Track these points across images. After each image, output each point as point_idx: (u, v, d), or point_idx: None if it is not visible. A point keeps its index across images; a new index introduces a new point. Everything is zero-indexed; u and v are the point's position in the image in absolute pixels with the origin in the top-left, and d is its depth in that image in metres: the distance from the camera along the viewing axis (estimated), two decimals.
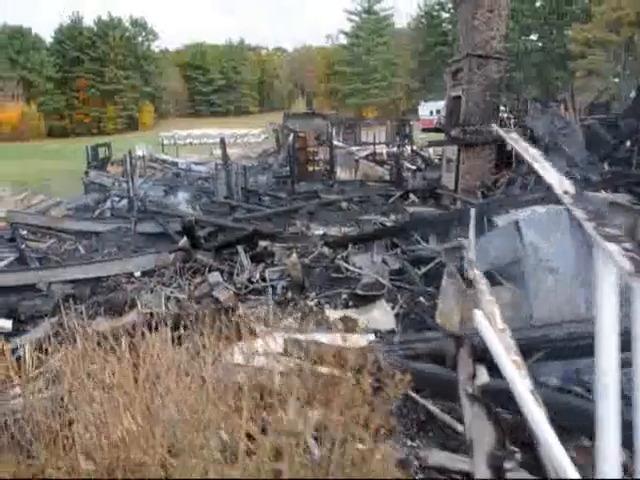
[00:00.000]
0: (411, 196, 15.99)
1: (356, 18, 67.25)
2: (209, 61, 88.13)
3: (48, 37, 77.74)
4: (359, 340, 3.53)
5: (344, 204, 14.87)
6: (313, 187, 18.04)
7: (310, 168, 19.93)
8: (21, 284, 8.30)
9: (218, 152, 37.15)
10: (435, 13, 64.98)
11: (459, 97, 15.41)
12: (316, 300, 5.88)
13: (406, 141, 27.38)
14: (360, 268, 6.32)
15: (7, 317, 7.02)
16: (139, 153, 28.75)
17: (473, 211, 5.53)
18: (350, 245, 7.21)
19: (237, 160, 28.73)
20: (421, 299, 5.52)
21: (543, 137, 14.02)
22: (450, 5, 64.00)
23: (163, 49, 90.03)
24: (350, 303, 5.73)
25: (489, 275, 5.04)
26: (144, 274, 8.54)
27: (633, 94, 16.64)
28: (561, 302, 4.73)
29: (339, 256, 7.15)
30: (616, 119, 14.54)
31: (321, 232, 10.03)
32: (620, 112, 16.94)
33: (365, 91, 61.45)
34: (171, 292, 7.10)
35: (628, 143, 14.13)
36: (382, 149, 25.49)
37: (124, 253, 10.03)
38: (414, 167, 21.71)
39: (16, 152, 45.02)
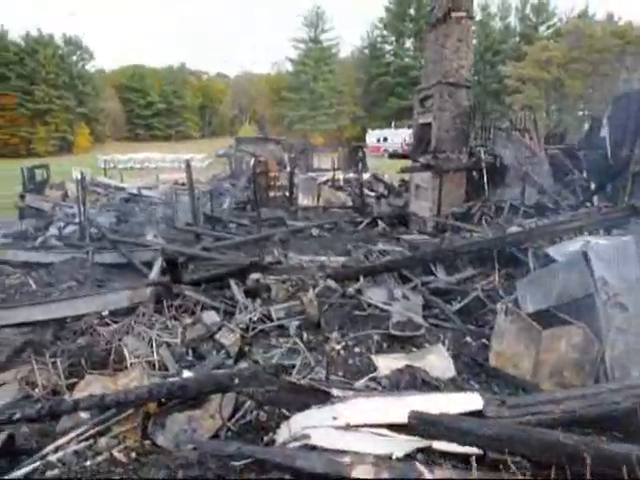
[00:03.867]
0: (379, 223, 15.68)
1: (302, 46, 68.32)
2: (148, 84, 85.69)
3: None
4: (470, 403, 2.88)
5: (315, 231, 14.30)
6: (276, 213, 17.35)
7: (272, 194, 19.21)
8: None
9: (164, 177, 35.76)
10: (378, 45, 67.24)
11: (427, 124, 15.47)
12: (343, 342, 5.15)
13: (361, 167, 27.38)
14: (387, 304, 5.67)
15: None
16: (78, 176, 26.76)
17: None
18: (362, 278, 6.55)
19: (180, 186, 27.46)
20: (468, 339, 4.93)
21: (512, 165, 14.27)
22: (393, 38, 66.55)
23: (99, 69, 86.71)
24: (385, 345, 5.05)
25: (548, 313, 4.58)
26: (112, 313, 7.42)
27: (587, 127, 17.58)
28: (632, 342, 4.33)
29: (349, 290, 6.48)
30: (577, 149, 15.14)
31: (307, 260, 9.34)
32: (573, 143, 17.75)
33: (313, 118, 61.94)
34: (158, 335, 6.09)
35: (585, 174, 14.73)
36: (339, 175, 25.30)
37: (89, 288, 8.78)
38: (373, 193, 21.60)
39: None
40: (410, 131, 31.77)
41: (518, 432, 2.33)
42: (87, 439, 3.44)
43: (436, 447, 2.57)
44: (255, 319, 6.11)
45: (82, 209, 13.37)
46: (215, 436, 3.71)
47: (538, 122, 16.15)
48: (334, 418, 2.95)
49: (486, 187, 13.84)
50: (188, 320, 6.38)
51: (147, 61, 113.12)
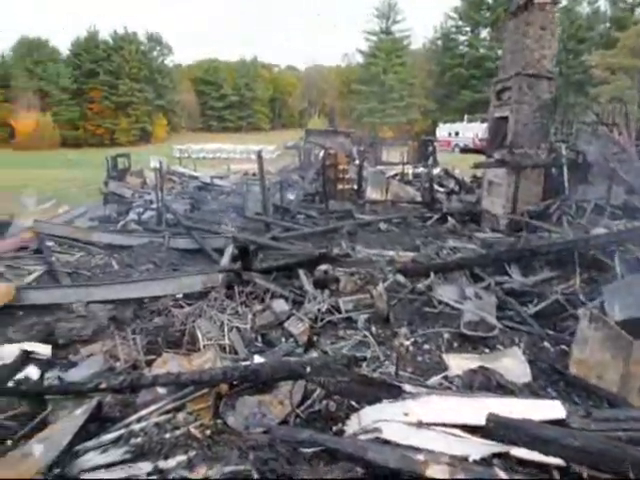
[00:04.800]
0: (449, 219, 15.24)
1: (373, 38, 67.55)
2: (222, 77, 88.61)
3: (65, 49, 78.42)
4: (550, 411, 2.73)
5: (383, 225, 14.16)
6: (343, 206, 17.34)
7: (340, 186, 19.19)
8: (55, 302, 7.55)
9: (235, 167, 36.89)
10: (452, 36, 65.16)
11: (503, 118, 14.78)
12: (412, 339, 5.07)
13: (431, 162, 26.74)
14: (458, 303, 5.51)
15: (44, 341, 6.24)
16: (155, 165, 28.18)
17: None
18: (432, 274, 6.40)
19: (252, 176, 28.29)
20: (545, 344, 4.69)
21: (596, 162, 13.34)
22: (468, 28, 64.15)
23: (176, 63, 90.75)
24: (455, 344, 4.92)
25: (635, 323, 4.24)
26: (186, 296, 7.77)
27: None
28: None
29: (419, 286, 6.36)
30: None
31: (375, 254, 9.28)
32: None
33: (382, 111, 61.17)
34: (228, 320, 6.29)
35: None
36: (408, 169, 24.87)
37: (164, 271, 9.27)
38: (443, 189, 21.03)
39: (32, 160, 44.73)
40: (484, 125, 30.57)
41: (610, 447, 2.17)
42: (166, 413, 3.63)
43: (514, 454, 2.46)
44: (323, 310, 6.17)
45: (160, 196, 14.06)
46: (284, 422, 3.79)
47: (629, 115, 14.92)
48: (405, 414, 2.91)
49: (566, 185, 13.03)
50: (258, 307, 6.55)
51: (221, 54, 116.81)
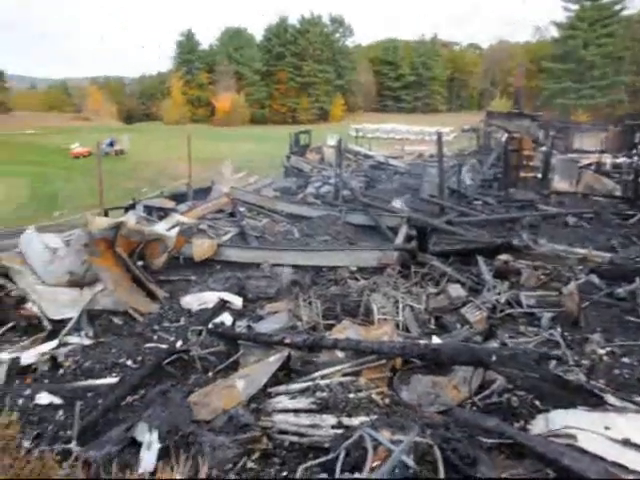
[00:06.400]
0: None
1: (574, 7, 59.32)
2: (400, 56, 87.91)
3: (259, 35, 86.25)
4: None
5: (571, 219, 12.72)
6: (525, 195, 16.03)
7: (522, 174, 17.73)
8: (246, 262, 8.51)
9: (408, 148, 36.69)
10: None
11: None
12: (608, 348, 4.52)
13: (638, 151, 22.99)
14: None
15: (237, 294, 7.08)
16: (331, 143, 29.44)
17: None
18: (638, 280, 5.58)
19: (429, 158, 27.80)
20: None
21: None
22: None
23: (356, 44, 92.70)
24: None
25: None
26: (359, 270, 8.04)
27: None
28: None
29: (619, 290, 5.61)
30: None
31: (561, 250, 8.41)
32: None
33: (577, 91, 54.09)
34: (402, 298, 6.35)
35: None
36: (606, 159, 21.83)
37: (340, 244, 9.74)
38: None
39: (227, 135, 50.70)
40: None
41: None
42: (344, 376, 3.86)
43: None
44: (502, 301, 5.85)
45: (338, 172, 14.69)
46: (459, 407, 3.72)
47: None
48: (607, 428, 2.62)
49: None
50: (432, 289, 6.50)
51: (401, 34, 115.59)
